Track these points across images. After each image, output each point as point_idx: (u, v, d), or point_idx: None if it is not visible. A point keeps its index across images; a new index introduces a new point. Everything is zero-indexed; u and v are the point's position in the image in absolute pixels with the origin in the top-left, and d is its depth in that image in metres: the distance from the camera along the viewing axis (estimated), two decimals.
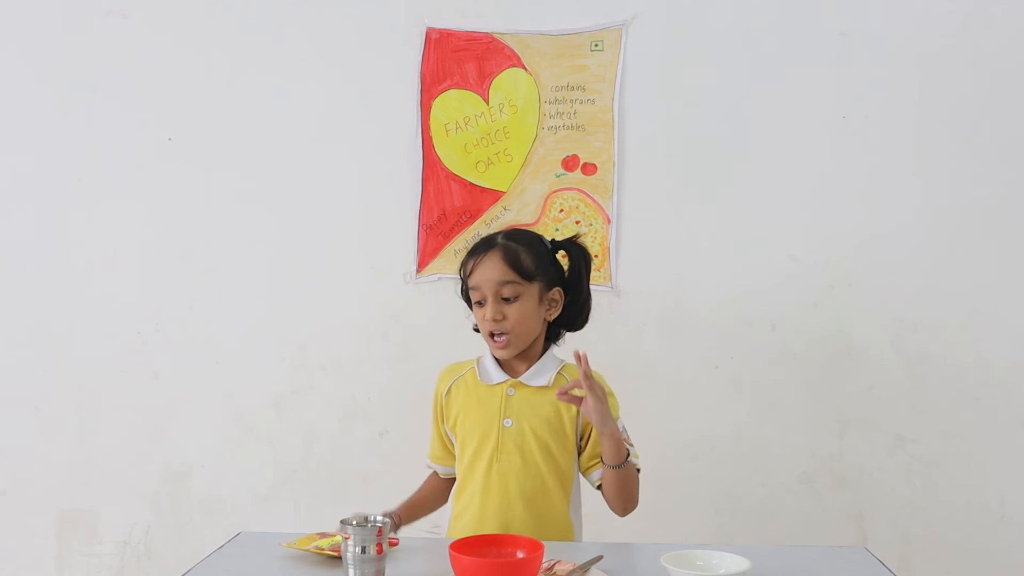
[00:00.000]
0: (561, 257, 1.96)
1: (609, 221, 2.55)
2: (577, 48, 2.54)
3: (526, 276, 1.87)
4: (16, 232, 2.68)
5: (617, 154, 2.54)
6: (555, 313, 1.93)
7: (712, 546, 1.68)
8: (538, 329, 1.91)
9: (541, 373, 1.92)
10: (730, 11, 2.52)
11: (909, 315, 2.51)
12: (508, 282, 1.86)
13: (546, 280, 1.91)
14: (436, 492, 2.03)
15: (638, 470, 1.88)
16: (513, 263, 1.87)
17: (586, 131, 2.55)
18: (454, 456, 1.98)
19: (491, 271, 1.87)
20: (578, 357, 1.72)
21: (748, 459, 2.55)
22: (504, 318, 1.86)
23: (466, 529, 1.90)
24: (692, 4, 2.52)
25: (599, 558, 1.64)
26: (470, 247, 1.96)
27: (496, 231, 1.98)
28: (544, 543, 1.56)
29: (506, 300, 1.86)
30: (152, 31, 2.63)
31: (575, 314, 1.96)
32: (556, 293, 1.93)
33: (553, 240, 1.96)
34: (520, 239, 1.92)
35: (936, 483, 2.52)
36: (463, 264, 1.94)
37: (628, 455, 1.82)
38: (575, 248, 1.96)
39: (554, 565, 1.60)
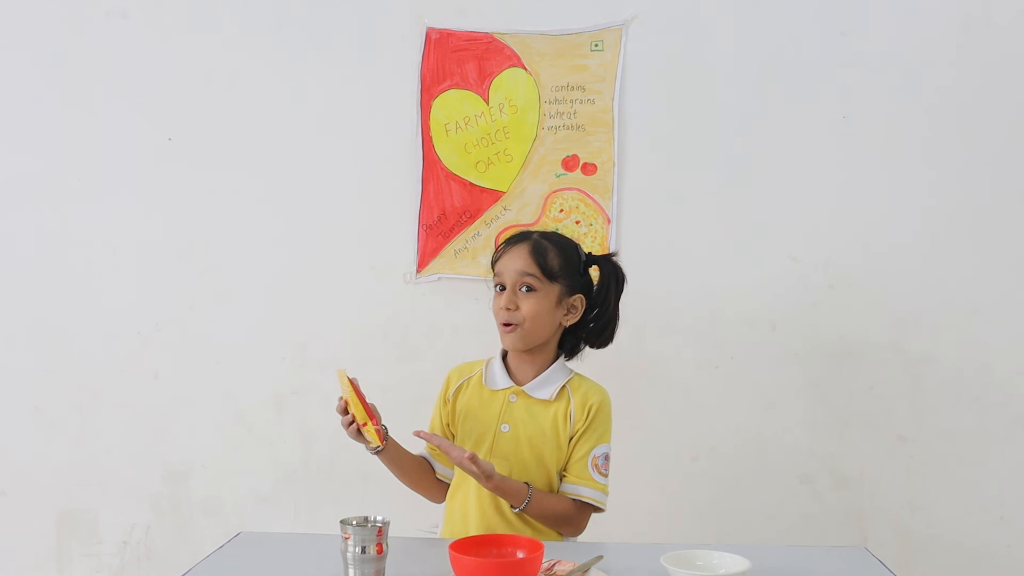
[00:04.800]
0: (594, 271, 1.97)
1: (609, 221, 2.55)
2: (577, 48, 2.54)
3: (548, 275, 1.88)
4: (16, 232, 2.68)
5: (617, 154, 2.54)
6: (572, 319, 1.93)
7: (712, 546, 1.68)
8: (550, 330, 1.91)
9: (546, 384, 1.92)
10: (730, 11, 2.52)
11: (909, 315, 2.51)
12: (528, 275, 1.87)
13: (568, 285, 1.91)
14: (422, 469, 1.97)
15: (600, 510, 1.91)
16: (538, 259, 1.88)
17: (586, 131, 2.55)
18: None
19: (515, 261, 1.89)
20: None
21: (748, 459, 2.55)
22: (517, 309, 1.87)
23: (455, 531, 1.91)
24: (692, 4, 2.52)
25: (599, 558, 1.64)
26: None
27: (532, 230, 1.99)
28: (544, 543, 1.56)
29: (524, 293, 1.87)
30: (152, 31, 2.63)
31: (598, 331, 1.96)
32: (577, 300, 1.92)
33: (590, 253, 1.97)
34: (553, 239, 1.94)
35: (936, 483, 2.52)
36: (495, 252, 1.96)
37: (526, 499, 1.83)
38: (608, 265, 1.96)
39: (554, 565, 1.60)
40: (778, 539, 2.50)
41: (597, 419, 1.90)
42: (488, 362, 1.99)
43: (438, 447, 1.86)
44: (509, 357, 1.97)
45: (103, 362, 2.66)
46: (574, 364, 1.99)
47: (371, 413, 1.79)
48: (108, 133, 2.65)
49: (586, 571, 1.59)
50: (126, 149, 2.65)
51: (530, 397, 1.92)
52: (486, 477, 1.77)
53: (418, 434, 1.84)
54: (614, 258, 1.98)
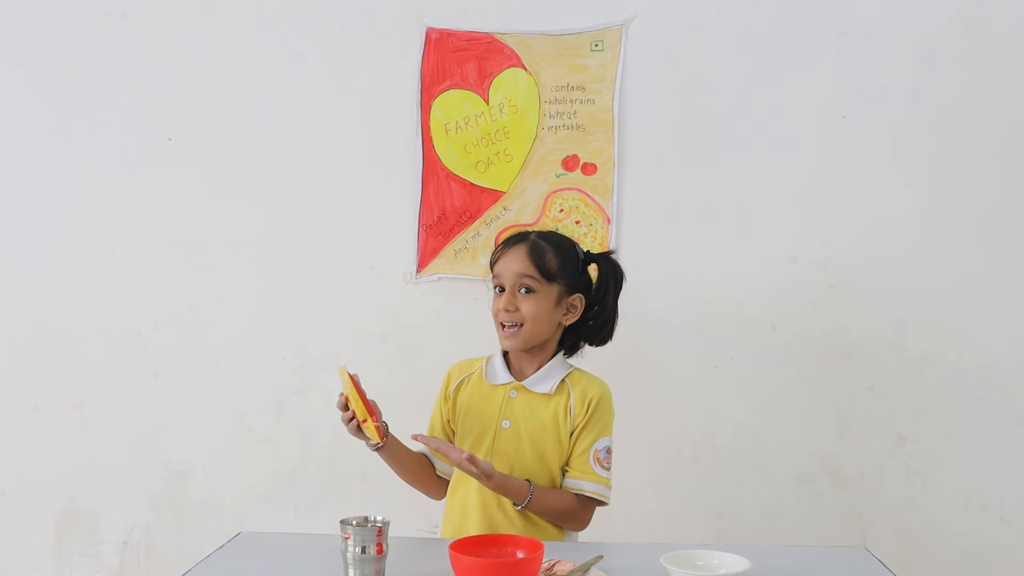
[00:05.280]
0: (593, 270, 1.97)
1: (609, 221, 2.55)
2: (577, 48, 2.54)
3: (547, 275, 1.88)
4: (16, 232, 2.68)
5: (617, 154, 2.54)
6: (572, 318, 1.93)
7: (712, 546, 1.68)
8: (550, 330, 1.92)
9: (546, 379, 1.92)
10: (730, 11, 2.52)
11: (909, 315, 2.51)
12: (527, 276, 1.88)
13: (567, 284, 1.91)
14: (422, 466, 1.97)
15: (604, 503, 1.91)
16: (536, 260, 1.88)
17: (586, 131, 2.55)
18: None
19: (514, 263, 1.89)
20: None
21: (748, 459, 2.55)
22: (517, 310, 1.87)
23: (456, 527, 1.91)
24: (692, 4, 2.52)
25: (599, 558, 1.64)
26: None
27: (531, 230, 1.99)
28: (544, 543, 1.56)
29: (524, 295, 1.87)
30: (152, 31, 2.63)
31: (596, 328, 1.97)
32: (576, 299, 1.93)
33: (588, 251, 1.97)
34: (551, 240, 1.94)
35: (936, 483, 2.52)
36: (493, 253, 1.96)
37: (528, 497, 1.84)
38: (607, 263, 1.96)
39: (554, 565, 1.60)
40: (778, 539, 2.50)
41: (597, 412, 1.90)
42: (489, 359, 1.99)
43: (436, 450, 1.86)
44: (510, 354, 1.97)
45: (103, 362, 2.66)
46: (574, 361, 2.00)
47: (371, 410, 1.79)
48: (108, 133, 2.65)
49: (586, 571, 1.59)
50: (126, 149, 2.65)
51: (530, 392, 1.92)
52: (486, 477, 1.77)
53: (416, 438, 1.84)
54: (612, 256, 1.98)
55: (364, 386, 1.81)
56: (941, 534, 2.52)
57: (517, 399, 1.92)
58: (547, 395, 1.91)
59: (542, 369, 1.93)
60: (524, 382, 1.93)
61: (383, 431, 1.82)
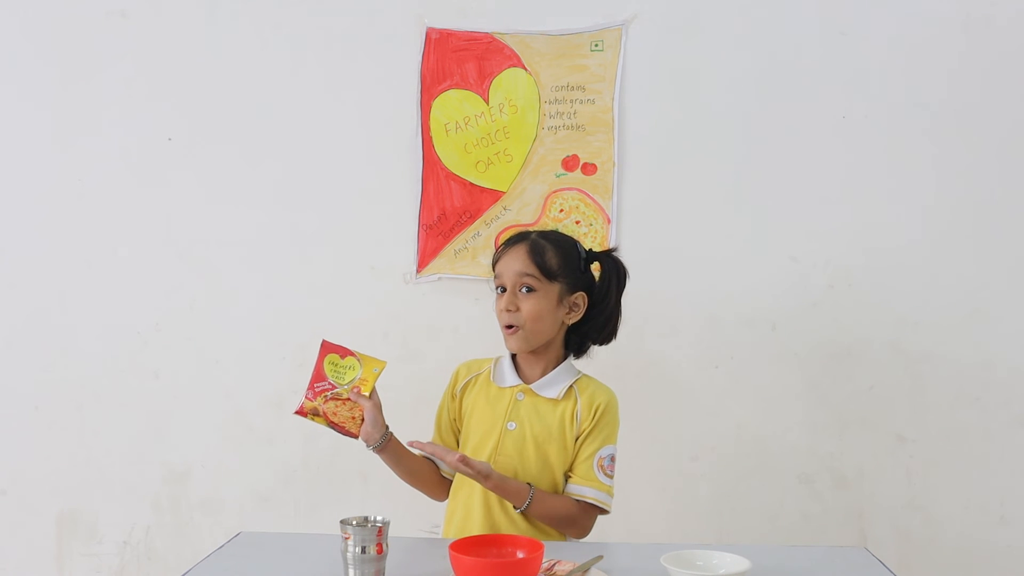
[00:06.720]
0: (595, 269, 1.96)
1: (609, 221, 2.55)
2: (577, 48, 2.54)
3: (547, 274, 1.88)
4: (16, 232, 2.68)
5: (617, 154, 2.54)
6: (575, 317, 1.93)
7: (712, 546, 1.68)
8: (553, 329, 1.91)
9: (554, 384, 1.92)
10: (730, 11, 2.52)
11: (909, 315, 2.51)
12: (528, 275, 1.87)
13: (568, 283, 1.90)
14: (426, 467, 1.97)
15: (605, 511, 1.90)
16: (537, 259, 1.88)
17: (586, 131, 2.55)
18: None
19: (514, 262, 1.89)
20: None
21: (748, 459, 2.55)
22: (518, 309, 1.87)
23: (459, 528, 1.91)
24: (692, 4, 2.52)
25: (599, 558, 1.64)
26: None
27: (530, 230, 1.98)
28: (544, 543, 1.56)
29: (524, 294, 1.87)
30: (152, 31, 2.63)
31: (599, 326, 1.96)
32: (579, 298, 1.92)
33: (590, 250, 1.97)
34: (551, 238, 1.93)
35: (936, 483, 2.52)
36: (494, 254, 1.96)
37: (527, 500, 1.83)
38: (608, 260, 1.96)
39: (554, 565, 1.60)
40: (778, 539, 2.50)
41: (604, 419, 1.90)
42: (497, 360, 1.99)
43: (432, 455, 1.86)
44: (518, 356, 1.97)
45: (103, 362, 2.66)
46: (582, 363, 2.00)
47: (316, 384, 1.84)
48: (108, 132, 2.65)
49: (586, 571, 1.59)
50: (126, 149, 2.65)
51: (537, 396, 1.92)
52: (484, 477, 1.77)
53: (412, 444, 1.84)
54: (614, 253, 1.98)
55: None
56: (941, 534, 2.52)
57: (524, 402, 1.92)
58: (554, 400, 1.91)
59: (550, 374, 1.93)
60: (532, 385, 1.92)
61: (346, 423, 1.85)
